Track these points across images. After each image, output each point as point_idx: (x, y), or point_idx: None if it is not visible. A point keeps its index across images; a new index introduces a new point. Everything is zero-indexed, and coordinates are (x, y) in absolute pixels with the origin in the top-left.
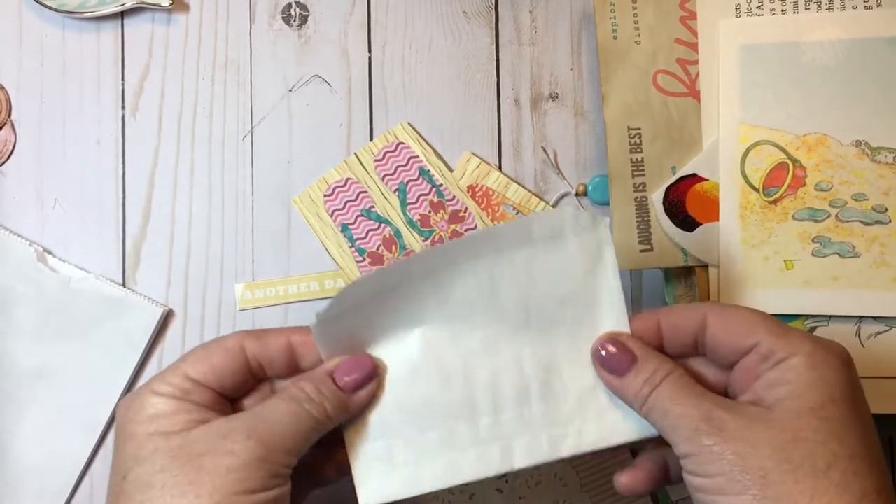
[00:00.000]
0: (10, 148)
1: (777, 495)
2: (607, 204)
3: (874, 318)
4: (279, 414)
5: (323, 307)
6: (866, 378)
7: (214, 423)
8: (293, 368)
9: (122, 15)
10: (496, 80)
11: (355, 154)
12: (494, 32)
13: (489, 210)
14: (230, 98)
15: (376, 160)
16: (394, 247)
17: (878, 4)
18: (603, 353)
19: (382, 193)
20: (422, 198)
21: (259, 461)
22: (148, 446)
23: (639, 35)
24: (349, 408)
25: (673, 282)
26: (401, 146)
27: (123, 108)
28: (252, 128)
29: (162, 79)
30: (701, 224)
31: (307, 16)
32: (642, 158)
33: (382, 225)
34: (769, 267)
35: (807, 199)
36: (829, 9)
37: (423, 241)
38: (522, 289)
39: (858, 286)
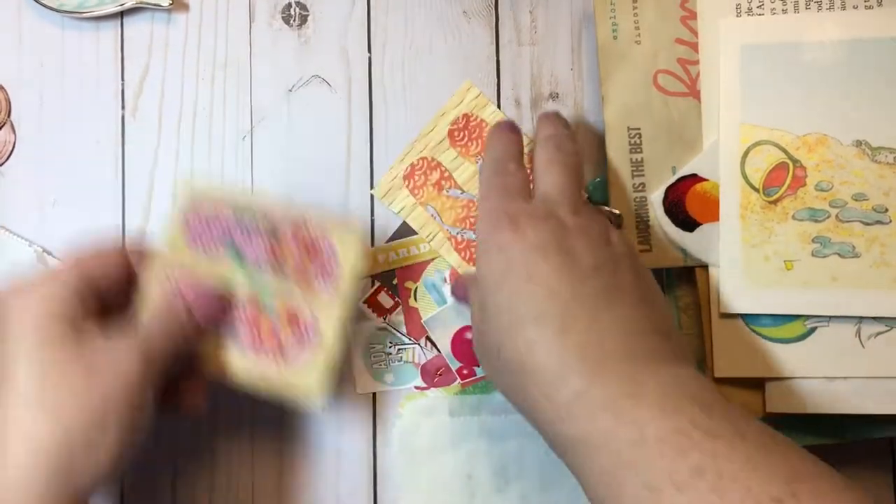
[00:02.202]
0: (10, 148)
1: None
2: (607, 205)
3: (874, 318)
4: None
5: None
6: (866, 378)
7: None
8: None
9: (121, 15)
10: (496, 80)
11: None
12: (494, 32)
13: (480, 141)
14: (230, 98)
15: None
16: None
17: (879, 4)
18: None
19: None
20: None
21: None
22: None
23: (639, 35)
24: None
25: (673, 282)
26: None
27: (123, 107)
28: (252, 128)
29: (161, 79)
30: (701, 224)
31: (307, 16)
32: (642, 158)
33: None
34: (769, 267)
35: (807, 199)
36: (829, 8)
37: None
38: None
39: (858, 286)
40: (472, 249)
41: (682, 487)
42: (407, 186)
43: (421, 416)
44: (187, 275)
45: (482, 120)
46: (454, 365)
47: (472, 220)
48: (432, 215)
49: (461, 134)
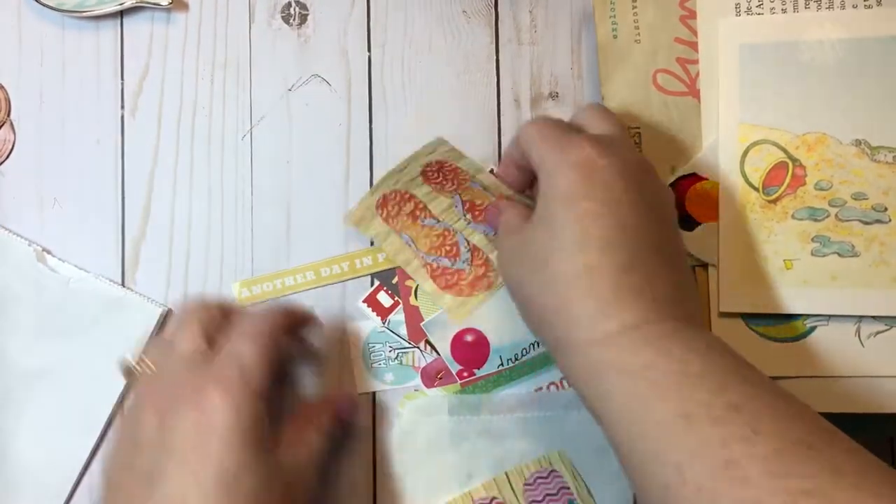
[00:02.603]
0: (10, 147)
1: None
2: None
3: (874, 317)
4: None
5: None
6: (866, 378)
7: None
8: None
9: (121, 14)
10: (496, 79)
11: (505, 473)
12: (494, 32)
13: (456, 181)
14: (229, 97)
15: (526, 485)
16: None
17: (878, 3)
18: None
19: None
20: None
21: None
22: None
23: (639, 34)
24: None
25: None
26: (553, 474)
27: (123, 107)
28: (251, 127)
29: (161, 78)
30: (700, 223)
31: (307, 15)
32: None
33: None
34: (769, 266)
35: (806, 198)
36: (828, 8)
37: None
38: None
39: (858, 285)
40: (448, 276)
41: (718, 420)
42: (380, 215)
43: (420, 416)
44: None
45: (457, 167)
46: (454, 368)
47: (447, 247)
48: (407, 243)
49: (436, 175)
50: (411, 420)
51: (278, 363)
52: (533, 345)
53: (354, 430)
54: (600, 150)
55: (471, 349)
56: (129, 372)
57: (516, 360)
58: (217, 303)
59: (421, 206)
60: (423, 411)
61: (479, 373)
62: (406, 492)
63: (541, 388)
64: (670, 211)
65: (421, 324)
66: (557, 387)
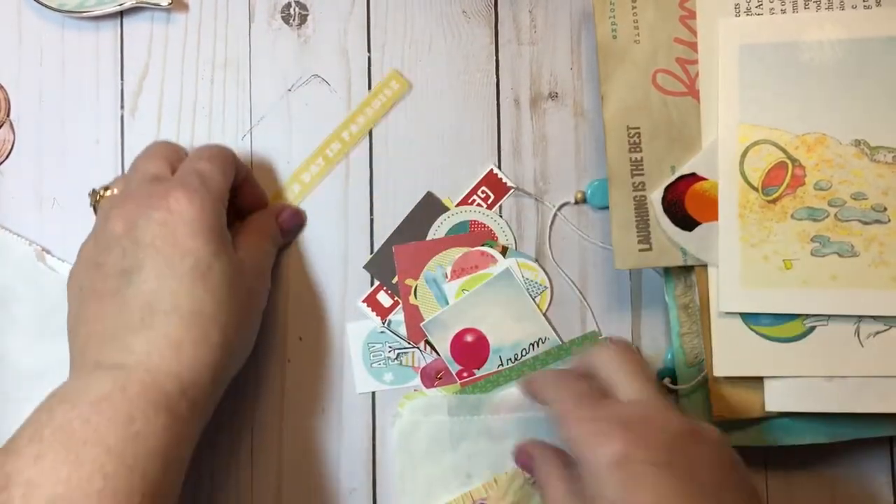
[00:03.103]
0: (9, 147)
1: None
2: (607, 208)
3: (873, 317)
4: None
5: None
6: (866, 378)
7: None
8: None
9: (121, 14)
10: (496, 79)
11: (505, 473)
12: (494, 32)
13: None
14: (229, 97)
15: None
16: None
17: (878, 4)
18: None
19: None
20: None
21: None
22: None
23: (638, 34)
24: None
25: (672, 281)
26: None
27: (122, 107)
28: (251, 127)
29: (161, 78)
30: (700, 223)
31: (306, 15)
32: (641, 158)
33: None
34: (768, 266)
35: (806, 198)
36: (828, 8)
37: None
38: None
39: (857, 285)
40: None
41: None
42: None
43: (420, 416)
44: None
45: None
46: (454, 368)
47: None
48: None
49: None
50: (411, 420)
51: (230, 186)
52: (532, 344)
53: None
54: (636, 441)
55: (471, 349)
56: (94, 195)
57: (516, 359)
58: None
59: None
60: (423, 411)
61: (479, 373)
62: (406, 492)
63: None
64: (733, 477)
65: (421, 324)
66: None
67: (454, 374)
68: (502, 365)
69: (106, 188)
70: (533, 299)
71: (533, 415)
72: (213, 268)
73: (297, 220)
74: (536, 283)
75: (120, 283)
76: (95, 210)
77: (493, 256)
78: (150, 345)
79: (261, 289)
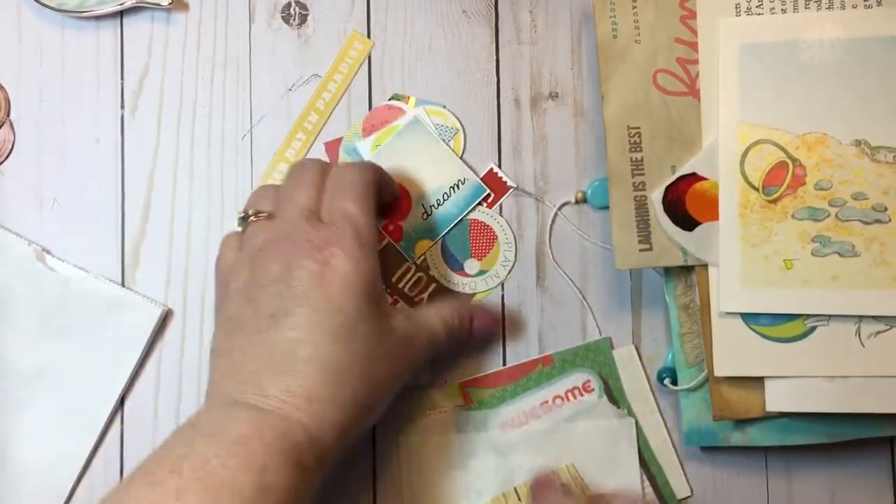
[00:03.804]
0: (9, 147)
1: None
2: (608, 208)
3: (874, 317)
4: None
5: None
6: (866, 378)
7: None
8: None
9: (121, 14)
10: (496, 79)
11: (514, 488)
12: (494, 32)
13: None
14: (229, 97)
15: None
16: None
17: (878, 3)
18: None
19: None
20: None
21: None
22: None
23: (639, 34)
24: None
25: (672, 281)
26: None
27: (123, 107)
28: (251, 127)
29: (161, 78)
30: (700, 223)
31: (307, 15)
32: (642, 158)
33: None
34: (769, 266)
35: (806, 198)
36: (829, 7)
37: None
38: None
39: (858, 285)
40: None
41: None
42: None
43: (428, 434)
44: None
45: None
46: (379, 224)
47: None
48: None
49: None
50: (419, 440)
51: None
52: (452, 187)
53: (480, 343)
54: None
55: (392, 202)
56: (244, 219)
57: (438, 205)
58: (318, 161)
59: None
60: (431, 430)
61: (403, 224)
62: None
63: (547, 402)
64: None
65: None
66: (563, 399)
67: (379, 229)
68: (426, 213)
69: (258, 212)
70: (447, 144)
71: (539, 428)
72: (358, 329)
73: (489, 329)
74: (447, 127)
75: (269, 324)
76: (240, 226)
77: (400, 108)
78: (286, 393)
79: (407, 356)
